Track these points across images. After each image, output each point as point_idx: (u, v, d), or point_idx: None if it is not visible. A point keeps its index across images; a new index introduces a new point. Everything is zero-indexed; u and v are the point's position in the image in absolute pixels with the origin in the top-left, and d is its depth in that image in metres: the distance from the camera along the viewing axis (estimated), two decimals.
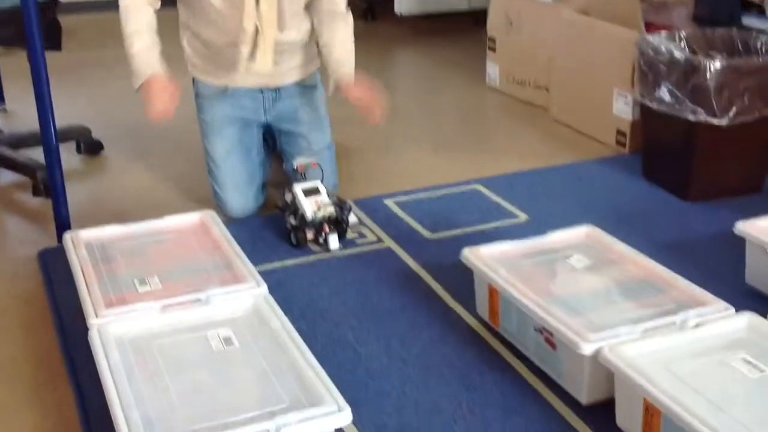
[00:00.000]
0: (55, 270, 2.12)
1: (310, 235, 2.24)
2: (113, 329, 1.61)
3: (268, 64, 2.31)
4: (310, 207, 2.22)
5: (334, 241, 2.23)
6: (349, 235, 2.32)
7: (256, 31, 2.25)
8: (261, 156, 2.48)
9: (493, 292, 1.82)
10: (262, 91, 2.42)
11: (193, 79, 2.45)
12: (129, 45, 2.20)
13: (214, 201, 2.44)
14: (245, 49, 2.28)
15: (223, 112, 2.41)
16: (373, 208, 2.48)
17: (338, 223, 2.24)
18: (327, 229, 2.22)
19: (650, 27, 3.08)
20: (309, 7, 2.36)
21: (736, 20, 3.23)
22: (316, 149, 2.43)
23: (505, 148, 2.99)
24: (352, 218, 2.28)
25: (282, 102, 2.44)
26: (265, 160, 2.52)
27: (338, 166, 2.55)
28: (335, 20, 2.35)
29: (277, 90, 2.43)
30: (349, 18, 2.39)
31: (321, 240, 2.24)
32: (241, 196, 2.41)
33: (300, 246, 2.24)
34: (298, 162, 2.33)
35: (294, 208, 2.25)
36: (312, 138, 2.44)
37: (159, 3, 2.25)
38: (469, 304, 1.95)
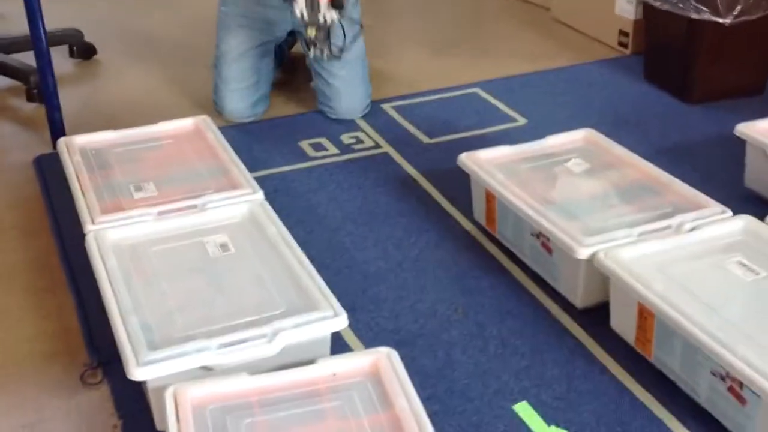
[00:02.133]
0: (51, 176, 2.11)
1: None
2: (110, 236, 1.61)
3: None
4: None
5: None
6: (347, 140, 2.30)
7: None
8: (271, 64, 2.44)
9: (489, 197, 1.82)
10: None
11: None
12: None
13: (213, 99, 2.41)
14: None
15: (245, 6, 2.34)
16: (370, 112, 2.45)
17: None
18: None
19: None
20: None
21: None
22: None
23: (505, 50, 2.94)
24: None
25: None
26: (274, 69, 2.47)
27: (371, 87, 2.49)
28: None
29: None
30: None
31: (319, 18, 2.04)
32: (242, 99, 2.38)
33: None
34: None
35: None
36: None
37: None
38: (467, 209, 1.95)
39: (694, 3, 2.33)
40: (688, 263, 1.53)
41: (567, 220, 1.64)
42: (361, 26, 2.18)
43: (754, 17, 2.34)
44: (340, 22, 2.10)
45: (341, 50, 2.19)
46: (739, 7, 2.32)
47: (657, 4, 2.43)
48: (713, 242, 1.59)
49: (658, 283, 1.46)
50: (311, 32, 2.06)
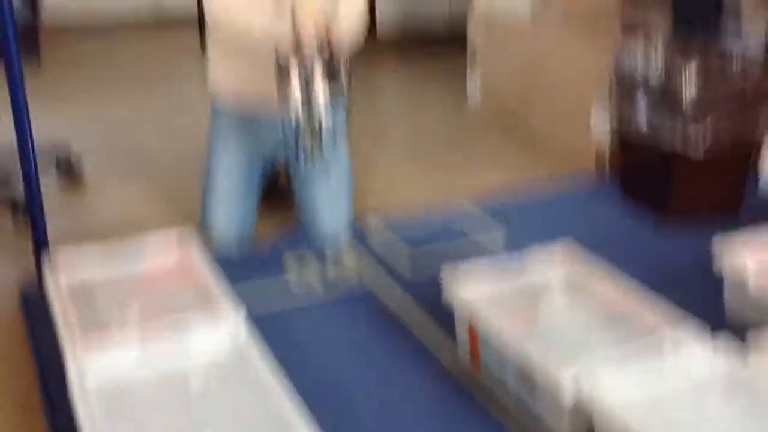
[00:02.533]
0: (35, 306, 2.07)
1: (294, 78, 2.01)
2: (92, 371, 1.57)
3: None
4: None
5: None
6: (331, 268, 2.29)
7: None
8: (259, 185, 2.47)
9: (472, 331, 1.81)
10: (274, 121, 2.36)
11: (212, 96, 2.42)
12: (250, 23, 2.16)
13: (200, 217, 2.42)
14: None
15: (237, 127, 2.39)
16: (355, 230, 2.46)
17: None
18: (316, 80, 2.01)
19: (626, 43, 3.09)
20: None
21: (714, 31, 3.23)
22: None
23: (487, 162, 3.00)
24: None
25: None
26: (259, 189, 2.50)
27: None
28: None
29: None
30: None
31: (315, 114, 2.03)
32: (231, 221, 2.40)
33: (280, 92, 2.02)
34: None
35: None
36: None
37: None
38: (450, 341, 1.92)
39: (669, 122, 2.39)
40: (669, 387, 1.53)
41: (549, 352, 1.63)
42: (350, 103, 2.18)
43: (728, 135, 2.40)
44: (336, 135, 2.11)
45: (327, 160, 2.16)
46: (713, 127, 2.38)
47: (632, 126, 2.50)
48: (693, 366, 1.59)
49: (644, 410, 1.44)
50: (307, 139, 2.05)
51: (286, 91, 2.02)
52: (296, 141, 2.08)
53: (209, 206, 2.41)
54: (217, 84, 2.40)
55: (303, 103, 2.02)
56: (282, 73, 2.02)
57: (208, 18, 2.31)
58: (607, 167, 2.86)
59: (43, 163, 2.69)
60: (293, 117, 2.04)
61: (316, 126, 2.04)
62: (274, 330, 2.00)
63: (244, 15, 2.19)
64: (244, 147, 2.41)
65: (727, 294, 2.02)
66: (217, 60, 2.40)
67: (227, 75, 2.37)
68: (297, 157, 2.13)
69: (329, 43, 2.04)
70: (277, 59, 2.02)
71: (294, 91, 2.01)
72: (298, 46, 2.01)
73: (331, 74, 2.03)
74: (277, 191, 2.68)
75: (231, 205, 2.40)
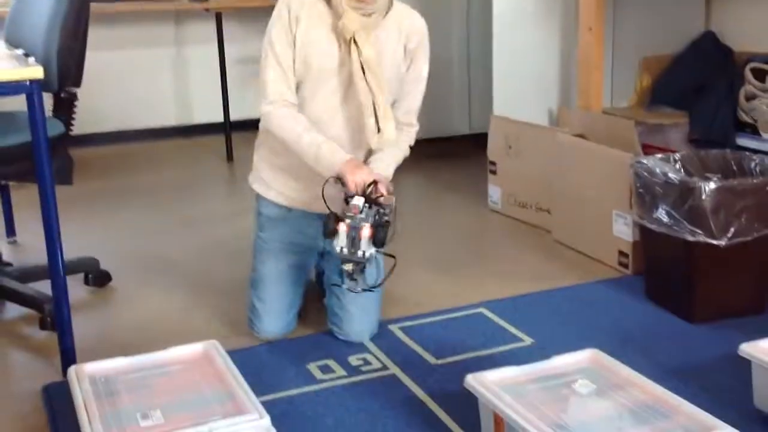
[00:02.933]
0: (59, 405, 2.11)
1: (342, 227, 2.09)
2: None
3: (392, 135, 2.29)
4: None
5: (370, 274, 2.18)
6: (354, 362, 2.31)
7: (374, 104, 2.25)
8: (303, 284, 2.53)
9: (498, 420, 1.81)
10: (321, 217, 2.43)
11: (257, 196, 2.49)
12: (305, 140, 2.25)
13: (249, 318, 2.47)
14: (371, 121, 2.26)
15: (283, 234, 2.44)
16: (377, 333, 2.48)
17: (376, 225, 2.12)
18: (363, 231, 2.09)
19: (646, 149, 3.16)
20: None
21: (731, 141, 3.32)
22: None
23: (509, 270, 3.01)
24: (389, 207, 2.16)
25: None
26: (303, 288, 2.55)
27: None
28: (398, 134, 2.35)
29: None
30: (411, 134, 2.43)
31: (359, 256, 2.11)
32: (279, 319, 2.45)
33: (327, 236, 2.13)
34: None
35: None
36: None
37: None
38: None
39: (688, 226, 2.42)
40: None
41: None
42: (394, 258, 2.23)
43: (748, 239, 2.42)
44: (377, 257, 2.18)
45: (375, 285, 2.26)
46: (732, 229, 2.40)
47: (653, 227, 2.52)
48: None
49: None
50: (348, 267, 2.13)
51: (333, 243, 2.12)
52: (340, 268, 2.16)
53: (258, 314, 2.45)
54: (263, 182, 2.46)
55: (349, 249, 2.11)
56: (329, 227, 2.12)
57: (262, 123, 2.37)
58: (631, 268, 2.87)
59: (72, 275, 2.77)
60: (338, 249, 2.11)
61: (359, 256, 2.11)
62: (297, 417, 2.02)
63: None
64: (290, 256, 2.46)
65: (757, 397, 2.00)
66: (264, 163, 2.45)
67: (274, 177, 2.43)
68: (339, 277, 2.20)
69: (377, 200, 2.15)
70: (325, 219, 2.14)
71: (340, 244, 2.11)
72: (345, 211, 2.13)
73: (379, 225, 2.12)
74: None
75: (280, 311, 2.45)
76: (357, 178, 2.17)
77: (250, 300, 2.49)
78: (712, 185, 2.40)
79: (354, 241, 2.10)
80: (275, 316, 2.45)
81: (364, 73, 2.24)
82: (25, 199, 3.29)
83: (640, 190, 2.58)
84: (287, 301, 2.46)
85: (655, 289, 2.66)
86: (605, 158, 2.98)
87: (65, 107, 2.68)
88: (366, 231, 2.10)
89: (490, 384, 1.87)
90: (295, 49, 2.28)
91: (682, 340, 2.41)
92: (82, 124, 2.87)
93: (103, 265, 2.96)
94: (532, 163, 3.43)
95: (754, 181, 2.50)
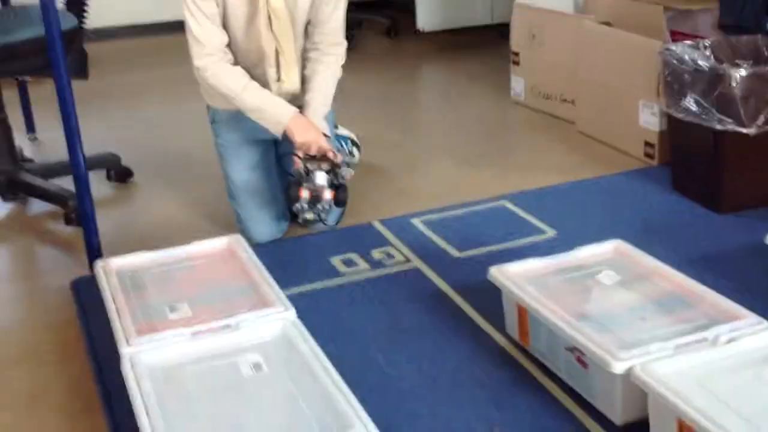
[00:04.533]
0: (87, 298, 2.14)
1: (304, 192, 2.20)
2: (145, 358, 1.62)
3: (295, 84, 2.34)
4: (310, 166, 2.22)
5: (332, 215, 2.25)
6: (377, 256, 2.32)
7: (277, 52, 2.29)
8: (278, 179, 2.50)
9: (521, 311, 1.81)
10: None
11: (207, 106, 2.48)
12: (246, 99, 2.28)
13: (238, 227, 2.45)
14: (271, 71, 2.31)
15: (239, 134, 2.43)
16: (400, 227, 2.48)
17: (337, 189, 2.22)
18: (325, 195, 2.20)
19: (675, 35, 3.06)
20: (307, 31, 2.39)
21: (762, 27, 3.20)
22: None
23: (532, 162, 2.98)
24: (346, 171, 2.25)
25: None
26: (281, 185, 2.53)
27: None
28: (322, 56, 2.37)
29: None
30: (339, 54, 2.40)
31: (320, 209, 2.22)
32: (264, 218, 2.43)
33: (293, 204, 2.21)
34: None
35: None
36: None
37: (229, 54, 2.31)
38: (499, 323, 1.94)
39: (717, 114, 2.36)
40: (726, 376, 1.51)
41: (601, 334, 1.63)
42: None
43: None
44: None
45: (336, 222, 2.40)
46: (762, 117, 2.35)
47: (681, 116, 2.47)
48: (751, 354, 1.56)
49: (697, 398, 1.43)
50: (309, 216, 2.24)
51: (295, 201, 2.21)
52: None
53: (243, 221, 2.44)
54: (210, 96, 2.45)
55: (311, 206, 2.22)
56: (292, 193, 2.21)
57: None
58: (657, 159, 2.83)
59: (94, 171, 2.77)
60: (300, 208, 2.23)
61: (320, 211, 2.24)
62: (322, 310, 2.05)
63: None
64: (251, 147, 2.44)
65: None
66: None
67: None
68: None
69: (328, 158, 2.24)
70: (287, 185, 2.25)
71: (303, 204, 2.21)
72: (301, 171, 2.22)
73: (338, 187, 2.23)
74: None
75: (263, 212, 2.42)
76: (304, 139, 2.23)
77: (233, 209, 2.47)
78: (742, 72, 2.33)
79: (315, 200, 2.20)
80: (259, 215, 2.42)
81: (270, 21, 2.24)
82: (42, 97, 3.26)
83: (669, 79, 2.51)
84: (266, 197, 2.43)
85: (682, 180, 2.62)
86: (633, 46, 2.90)
87: (77, 0, 2.63)
88: (328, 194, 2.21)
89: (513, 276, 1.87)
90: None
91: (709, 230, 2.39)
92: (94, 18, 2.81)
93: (125, 161, 2.96)
94: (556, 53, 3.34)
95: None
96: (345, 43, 2.43)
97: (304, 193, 2.20)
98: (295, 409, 1.48)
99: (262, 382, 1.57)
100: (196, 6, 2.23)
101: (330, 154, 2.24)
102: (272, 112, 2.28)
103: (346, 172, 2.25)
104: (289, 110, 2.28)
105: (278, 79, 2.33)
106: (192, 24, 2.25)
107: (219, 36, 2.28)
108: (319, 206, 2.21)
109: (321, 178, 2.22)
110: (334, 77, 2.40)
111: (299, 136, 2.24)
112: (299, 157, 2.24)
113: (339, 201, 2.25)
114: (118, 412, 1.70)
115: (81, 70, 2.64)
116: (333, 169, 2.24)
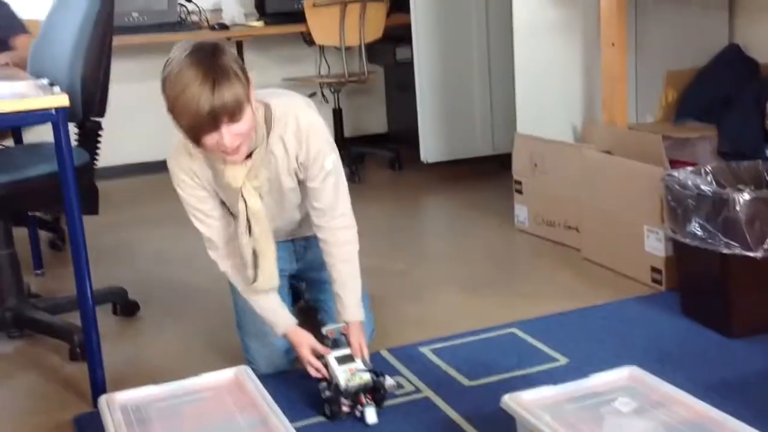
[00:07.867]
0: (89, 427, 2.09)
1: (345, 407, 2.10)
2: None
3: (270, 283, 2.26)
4: (343, 375, 2.11)
5: (371, 414, 2.09)
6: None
7: (255, 255, 2.22)
8: (290, 308, 2.48)
9: None
10: (293, 240, 2.45)
11: None
12: (250, 300, 2.30)
13: (244, 356, 2.42)
14: (249, 272, 2.24)
15: None
16: (408, 356, 2.45)
17: (375, 391, 2.12)
18: (363, 400, 2.10)
19: (675, 163, 3.11)
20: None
21: (761, 153, 3.26)
22: None
23: (539, 289, 2.97)
24: (389, 381, 2.14)
25: (312, 251, 2.45)
26: (293, 312, 2.50)
27: (373, 313, 2.53)
28: (330, 238, 2.29)
29: (306, 239, 2.46)
30: (348, 237, 2.28)
31: (357, 413, 2.10)
32: (271, 348, 2.38)
33: (335, 419, 2.11)
34: (328, 329, 2.26)
35: (328, 378, 2.16)
36: None
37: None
38: None
39: (723, 238, 2.37)
40: None
41: None
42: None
43: None
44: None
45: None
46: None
47: (687, 240, 2.47)
48: None
49: None
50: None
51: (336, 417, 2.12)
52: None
53: (250, 351, 2.41)
54: None
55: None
56: (334, 410, 2.12)
57: None
58: (664, 284, 2.82)
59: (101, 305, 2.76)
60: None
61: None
62: None
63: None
64: None
65: None
66: None
67: None
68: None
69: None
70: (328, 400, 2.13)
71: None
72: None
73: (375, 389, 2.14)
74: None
75: (267, 338, 2.37)
76: (298, 352, 2.26)
77: (240, 338, 2.44)
78: (746, 196, 2.35)
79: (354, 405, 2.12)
80: (265, 345, 2.37)
81: (249, 226, 2.19)
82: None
83: (672, 204, 2.54)
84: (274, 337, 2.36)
85: (691, 304, 2.61)
86: (634, 173, 2.94)
87: (90, 137, 2.69)
88: (367, 403, 2.11)
89: (527, 404, 1.83)
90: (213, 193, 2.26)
91: (723, 355, 2.36)
92: (104, 156, 2.87)
93: (131, 295, 2.95)
94: (558, 181, 3.39)
95: None
96: (354, 227, 2.30)
97: (345, 408, 2.10)
98: None
99: None
100: (193, 207, 2.25)
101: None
102: (270, 321, 2.29)
103: (390, 386, 2.14)
104: (285, 323, 2.28)
105: (254, 281, 2.24)
106: (197, 224, 2.27)
107: (226, 229, 2.27)
108: (357, 412, 2.12)
109: (356, 388, 2.11)
110: (349, 259, 2.29)
111: (296, 348, 2.26)
112: (326, 364, 2.18)
113: (378, 401, 2.13)
114: None
115: (92, 206, 2.67)
116: (374, 380, 2.13)
